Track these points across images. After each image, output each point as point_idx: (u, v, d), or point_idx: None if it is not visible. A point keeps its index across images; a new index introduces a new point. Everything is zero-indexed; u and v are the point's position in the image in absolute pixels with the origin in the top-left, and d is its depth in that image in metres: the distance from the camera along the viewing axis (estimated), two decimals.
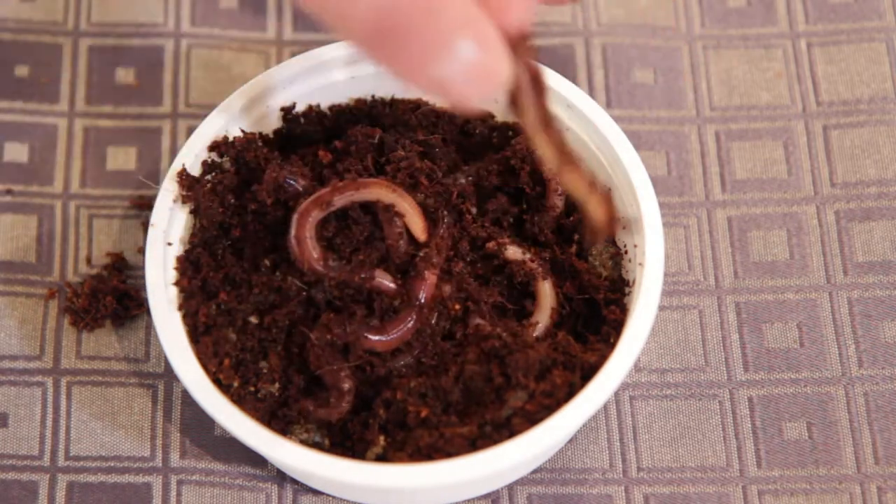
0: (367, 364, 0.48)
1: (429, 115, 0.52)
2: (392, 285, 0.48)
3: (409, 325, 0.48)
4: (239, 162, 0.50)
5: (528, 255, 0.50)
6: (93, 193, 0.56)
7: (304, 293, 0.48)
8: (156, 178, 0.56)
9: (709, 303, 0.54)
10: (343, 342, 0.48)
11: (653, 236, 0.48)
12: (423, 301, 0.48)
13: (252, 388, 0.48)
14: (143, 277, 0.48)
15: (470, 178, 0.51)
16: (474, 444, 0.45)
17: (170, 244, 0.49)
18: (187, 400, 0.51)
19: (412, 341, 0.48)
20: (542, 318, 0.49)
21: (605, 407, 0.52)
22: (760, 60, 0.58)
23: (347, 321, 0.47)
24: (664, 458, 0.51)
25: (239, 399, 0.47)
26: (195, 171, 0.50)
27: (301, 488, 0.50)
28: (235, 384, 0.48)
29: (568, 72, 0.57)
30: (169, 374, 0.52)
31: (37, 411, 0.51)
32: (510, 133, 0.52)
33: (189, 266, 0.49)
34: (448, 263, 0.49)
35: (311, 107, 0.52)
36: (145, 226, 0.54)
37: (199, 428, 0.51)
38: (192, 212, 0.50)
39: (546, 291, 0.50)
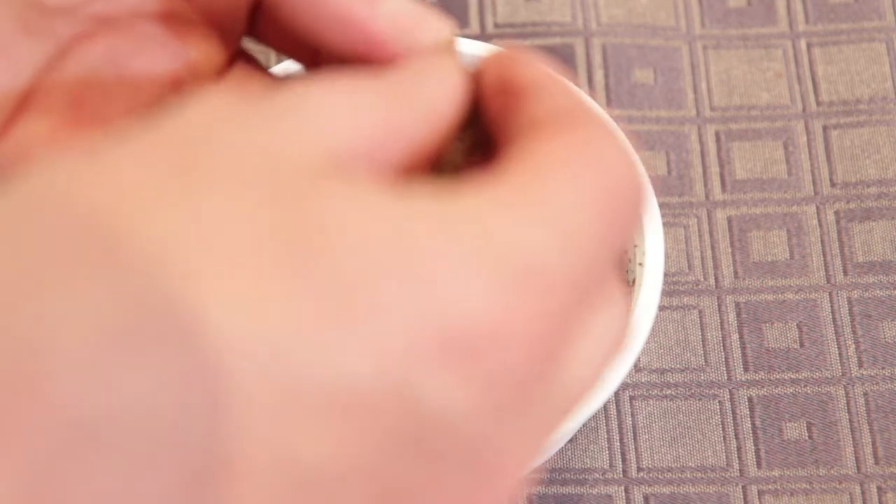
0: None
1: None
2: None
3: None
4: None
5: None
6: None
7: None
8: None
9: (709, 303, 0.54)
10: None
11: (653, 236, 0.48)
12: None
13: None
14: None
15: None
16: None
17: None
18: None
19: None
20: None
21: (605, 407, 0.51)
22: (760, 60, 0.58)
23: None
24: (664, 458, 0.51)
25: None
26: None
27: None
28: None
29: (568, 72, 0.57)
30: None
31: None
32: None
33: None
34: None
35: None
36: None
37: None
38: None
39: None
